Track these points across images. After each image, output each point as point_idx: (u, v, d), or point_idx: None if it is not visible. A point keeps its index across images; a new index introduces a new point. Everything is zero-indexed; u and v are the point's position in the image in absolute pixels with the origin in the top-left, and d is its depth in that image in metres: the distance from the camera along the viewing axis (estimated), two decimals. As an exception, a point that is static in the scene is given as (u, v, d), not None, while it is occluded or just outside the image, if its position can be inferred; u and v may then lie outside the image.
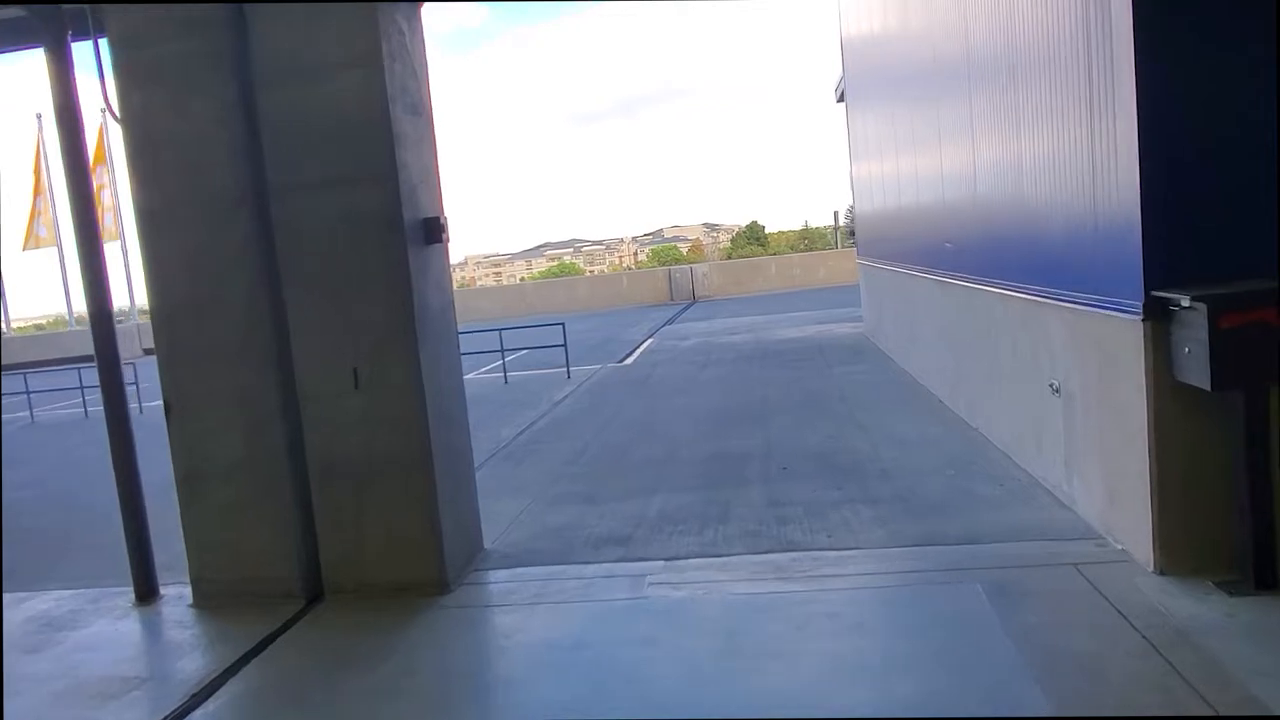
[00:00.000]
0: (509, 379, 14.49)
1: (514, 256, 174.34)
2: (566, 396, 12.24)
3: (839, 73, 20.75)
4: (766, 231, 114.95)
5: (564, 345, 14.10)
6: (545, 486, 7.37)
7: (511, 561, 5.51)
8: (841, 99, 21.13)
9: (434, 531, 5.04)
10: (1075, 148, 4.85)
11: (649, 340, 19.38)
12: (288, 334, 5.08)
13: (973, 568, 4.69)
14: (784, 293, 33.08)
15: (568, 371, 14.13)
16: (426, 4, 5.47)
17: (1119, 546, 4.70)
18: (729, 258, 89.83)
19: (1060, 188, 5.13)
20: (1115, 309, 4.51)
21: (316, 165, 4.93)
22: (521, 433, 9.93)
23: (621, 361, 16.01)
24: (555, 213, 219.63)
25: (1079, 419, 5.20)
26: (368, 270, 4.95)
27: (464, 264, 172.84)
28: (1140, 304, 4.22)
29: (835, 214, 61.27)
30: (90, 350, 5.52)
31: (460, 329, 5.80)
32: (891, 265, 11.92)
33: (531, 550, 5.70)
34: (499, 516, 6.36)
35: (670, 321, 24.80)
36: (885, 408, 9.17)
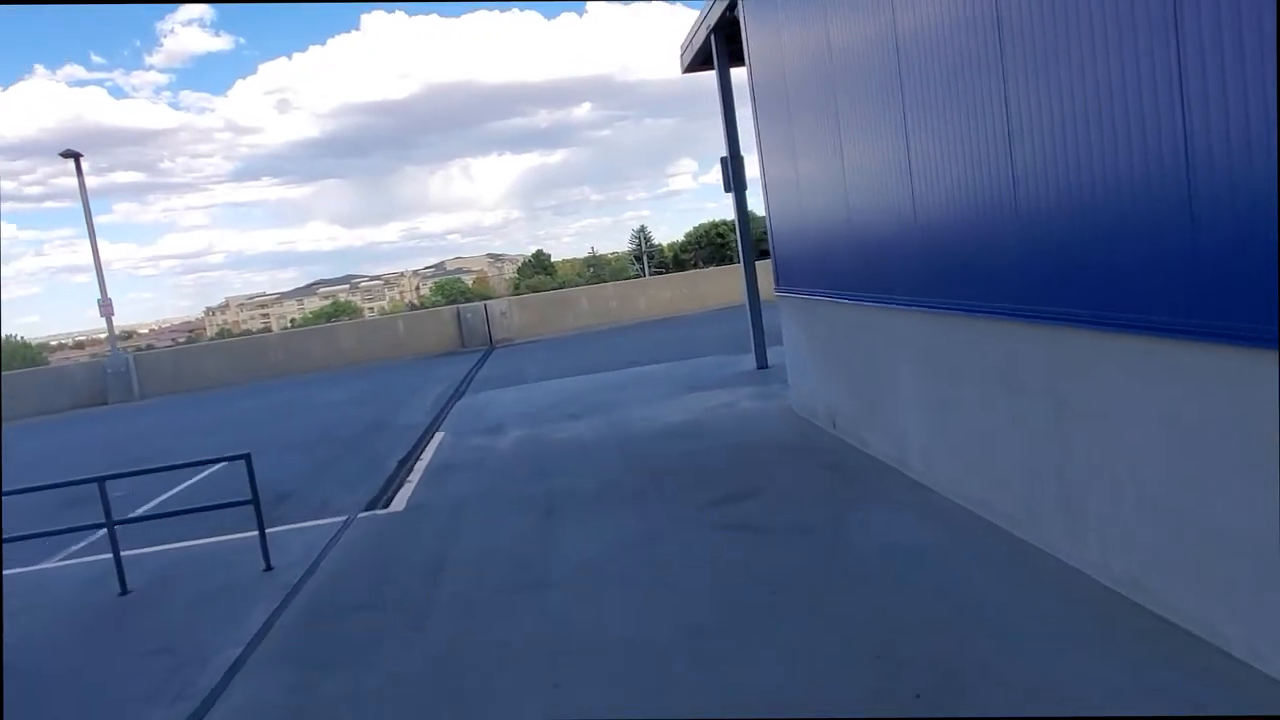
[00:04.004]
0: (145, 569, 6.91)
1: (284, 296, 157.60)
2: (232, 676, 4.92)
3: (687, 39, 14.88)
4: (553, 260, 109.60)
5: (253, 501, 6.63)
6: None
7: None
8: (690, 70, 15.17)
9: None
10: None
11: (437, 435, 12.13)
12: None
13: None
14: (604, 331, 26.70)
15: (264, 555, 6.70)
16: None
17: None
18: (517, 289, 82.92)
19: None
20: None
21: None
22: None
23: (385, 500, 8.71)
24: (329, 248, 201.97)
25: None
26: None
27: (225, 307, 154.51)
28: None
29: (639, 236, 55.80)
30: None
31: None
32: (968, 312, 5.63)
33: None
34: None
35: (466, 387, 17.57)
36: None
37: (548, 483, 8.26)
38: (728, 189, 13.45)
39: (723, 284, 31.45)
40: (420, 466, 9.95)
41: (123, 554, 6.98)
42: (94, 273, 26.12)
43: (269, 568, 6.58)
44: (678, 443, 9.15)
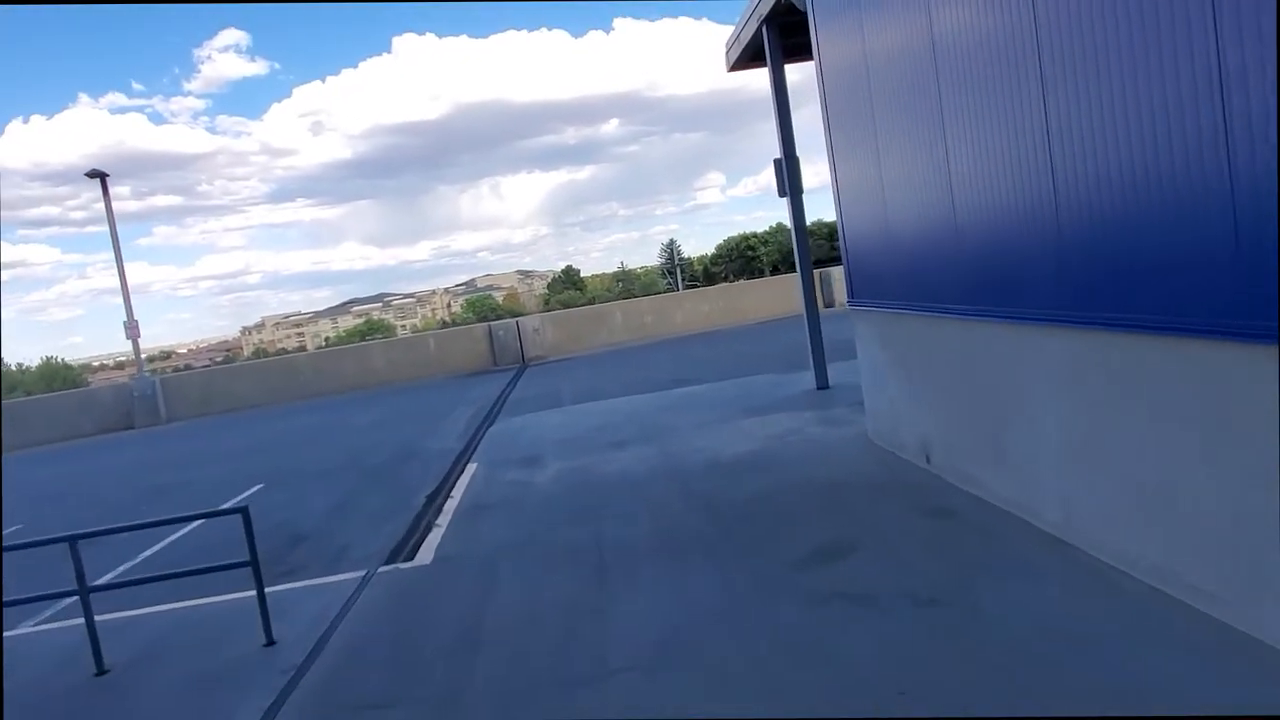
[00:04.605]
0: (132, 639, 5.90)
1: (318, 314, 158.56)
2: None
3: (733, 34, 13.85)
4: (583, 275, 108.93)
5: (252, 564, 5.57)
6: None
7: None
8: (737, 67, 14.12)
9: None
10: None
11: (469, 466, 11.06)
12: None
13: None
14: (641, 347, 25.61)
15: (265, 626, 5.63)
16: None
17: None
18: (547, 305, 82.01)
19: None
20: None
21: None
22: None
23: (410, 550, 7.61)
24: (362, 267, 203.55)
25: None
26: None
27: (261, 326, 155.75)
28: None
29: (669, 249, 54.75)
30: None
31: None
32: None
33: None
34: None
35: (499, 409, 16.53)
36: None
37: (596, 528, 7.14)
38: (782, 193, 12.31)
39: (762, 297, 30.30)
40: (450, 505, 8.88)
41: (112, 616, 6.07)
42: (133, 294, 25.60)
43: (270, 642, 5.52)
44: (744, 478, 7.99)
